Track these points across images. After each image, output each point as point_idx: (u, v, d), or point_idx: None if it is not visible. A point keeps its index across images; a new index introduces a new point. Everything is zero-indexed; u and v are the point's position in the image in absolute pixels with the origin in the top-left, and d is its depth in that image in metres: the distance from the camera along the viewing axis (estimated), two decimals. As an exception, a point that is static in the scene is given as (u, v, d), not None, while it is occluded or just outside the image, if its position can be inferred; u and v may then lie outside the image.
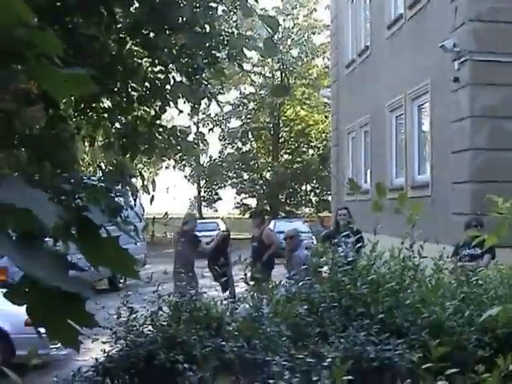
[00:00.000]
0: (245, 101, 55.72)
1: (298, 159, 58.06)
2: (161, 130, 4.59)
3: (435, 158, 15.76)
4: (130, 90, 4.48)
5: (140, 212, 4.51)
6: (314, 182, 58.57)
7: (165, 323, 4.33)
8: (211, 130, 56.41)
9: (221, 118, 56.24)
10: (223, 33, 4.56)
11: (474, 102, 13.55)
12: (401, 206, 4.09)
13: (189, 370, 3.86)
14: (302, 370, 3.66)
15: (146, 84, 4.48)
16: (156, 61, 4.42)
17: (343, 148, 25.72)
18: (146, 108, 4.59)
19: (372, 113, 21.30)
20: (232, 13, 4.89)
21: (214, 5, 4.39)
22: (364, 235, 14.93)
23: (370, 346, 3.76)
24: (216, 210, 64.50)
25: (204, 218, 50.70)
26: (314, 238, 41.52)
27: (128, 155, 4.44)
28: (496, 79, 13.42)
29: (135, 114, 4.53)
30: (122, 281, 24.18)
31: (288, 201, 59.49)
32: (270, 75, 56.89)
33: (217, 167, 56.39)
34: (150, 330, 4.39)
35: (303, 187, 60.16)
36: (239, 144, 57.64)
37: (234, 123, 57.69)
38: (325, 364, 3.54)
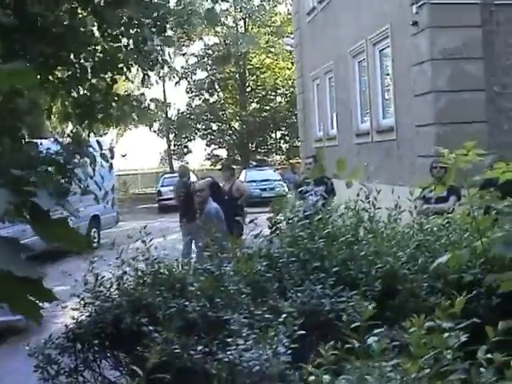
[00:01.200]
0: (209, 52, 55.31)
1: (266, 107, 57.94)
2: (116, 98, 4.66)
3: (398, 101, 15.88)
4: (82, 60, 4.54)
5: (100, 181, 4.62)
6: (284, 128, 58.59)
7: (130, 287, 4.45)
8: (177, 83, 56.03)
9: (186, 71, 55.79)
10: (168, 4, 4.63)
11: (434, 45, 13.63)
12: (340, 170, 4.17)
13: (154, 331, 4.00)
14: (261, 325, 3.81)
15: (99, 54, 4.54)
16: (106, 32, 4.47)
17: (309, 95, 25.76)
18: (100, 78, 4.65)
19: (335, 59, 21.34)
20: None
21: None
22: (336, 181, 15.17)
23: (326, 298, 3.90)
24: (187, 163, 64.49)
25: (174, 172, 50.69)
26: (285, 185, 41.82)
27: (85, 124, 4.53)
28: (454, 21, 13.48)
29: (89, 83, 4.59)
30: (95, 241, 24.30)
31: (258, 149, 59.52)
32: (234, 25, 56.47)
33: (185, 120, 56.16)
34: (116, 295, 4.50)
35: (273, 135, 60.18)
36: (206, 95, 57.32)
37: (200, 75, 57.31)
38: (281, 320, 3.68)
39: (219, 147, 59.05)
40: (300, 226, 4.49)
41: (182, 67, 55.20)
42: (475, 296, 3.95)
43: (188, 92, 57.20)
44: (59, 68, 4.56)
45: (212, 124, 57.42)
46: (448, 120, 13.50)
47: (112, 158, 4.91)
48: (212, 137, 57.89)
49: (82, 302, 4.44)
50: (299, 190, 14.34)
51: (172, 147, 59.28)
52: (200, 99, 57.17)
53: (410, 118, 14.90)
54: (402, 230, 4.57)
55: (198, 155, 62.89)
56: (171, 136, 58.21)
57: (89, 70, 4.54)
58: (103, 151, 4.71)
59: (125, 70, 4.65)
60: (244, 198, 17.66)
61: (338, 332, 3.95)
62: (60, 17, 4.36)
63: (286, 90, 56.72)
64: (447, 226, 4.46)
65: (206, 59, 56.35)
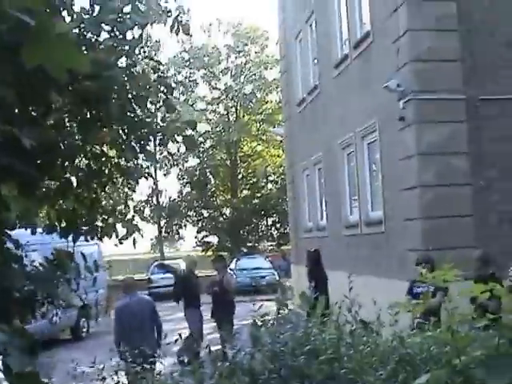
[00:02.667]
0: (201, 139, 55.89)
1: (257, 194, 58.33)
2: (101, 211, 4.74)
3: (387, 194, 16.02)
4: (68, 174, 4.63)
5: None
6: (275, 215, 58.82)
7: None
8: (165, 174, 56.76)
9: (177, 158, 56.29)
10: (154, 122, 4.76)
11: (420, 140, 13.83)
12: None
13: None
14: None
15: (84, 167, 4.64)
16: (91, 148, 4.57)
17: (299, 185, 26.00)
18: (85, 191, 4.73)
19: (324, 150, 21.60)
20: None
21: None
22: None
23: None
24: (177, 250, 64.52)
25: (165, 259, 50.64)
26: (275, 273, 41.76)
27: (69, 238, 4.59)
28: (440, 117, 13.71)
29: (75, 197, 4.66)
30: (84, 330, 24.18)
31: (249, 236, 59.62)
32: (225, 112, 57.27)
33: (176, 207, 56.42)
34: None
35: (264, 222, 60.38)
36: (198, 183, 57.73)
37: (192, 162, 57.88)
38: None
39: (210, 234, 59.12)
40: (281, 342, 4.50)
41: (172, 154, 55.72)
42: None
43: (179, 179, 57.63)
44: (45, 182, 4.64)
45: (203, 211, 57.64)
46: (435, 214, 13.62)
47: (97, 270, 4.97)
48: (203, 223, 58.05)
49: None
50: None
51: (163, 233, 59.33)
52: (191, 186, 57.52)
53: (399, 211, 15.02)
54: (383, 347, 4.58)
55: (189, 241, 62.90)
56: (162, 222, 58.31)
57: (74, 184, 4.62)
58: (87, 264, 4.77)
59: (109, 184, 4.74)
60: (229, 290, 17.77)
61: None
62: (46, 131, 4.45)
63: (277, 177, 57.21)
64: (427, 341, 4.47)
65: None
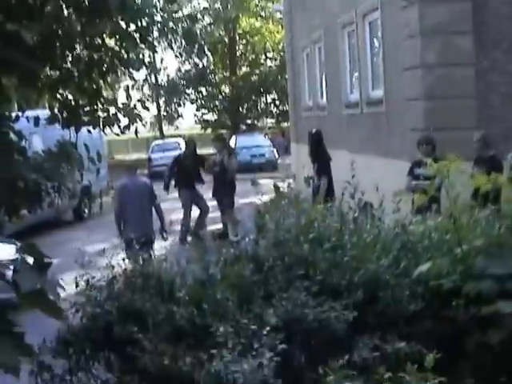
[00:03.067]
0: (199, 16, 54.95)
1: (256, 71, 57.85)
2: (103, 101, 4.71)
3: (388, 74, 15.86)
4: (69, 64, 4.59)
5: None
6: (274, 92, 58.53)
7: (119, 292, 4.51)
8: (165, 49, 55.81)
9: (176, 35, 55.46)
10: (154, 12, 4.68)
11: (424, 19, 13.58)
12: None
13: (144, 339, 4.10)
14: (247, 334, 3.91)
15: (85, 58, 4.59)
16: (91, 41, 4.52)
17: (298, 64, 25.73)
18: (87, 81, 4.69)
19: (325, 29, 21.26)
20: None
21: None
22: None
23: (309, 308, 4.00)
24: (177, 128, 64.47)
25: (164, 137, 50.73)
26: (274, 151, 41.90)
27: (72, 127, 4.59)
28: (444, -5, 13.45)
29: (76, 86, 4.63)
30: (86, 211, 24.48)
31: (248, 114, 59.51)
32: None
33: (175, 85, 56.04)
34: (106, 299, 4.57)
35: (263, 99, 60.14)
36: (196, 60, 57.11)
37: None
38: (265, 333, 3.79)
39: (209, 111, 58.97)
40: (285, 229, 4.57)
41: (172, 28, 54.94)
42: (455, 305, 4.06)
43: (177, 57, 57.01)
44: (45, 70, 4.60)
45: (202, 89, 57.28)
46: (437, 95, 13.51)
47: (99, 161, 4.97)
48: (202, 101, 57.79)
49: (74, 307, 4.50)
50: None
51: (162, 112, 59.19)
52: (189, 64, 56.96)
53: (400, 90, 14.90)
54: (385, 233, 4.65)
55: (188, 120, 62.82)
56: (161, 101, 58.06)
57: (75, 74, 4.58)
58: (91, 154, 4.78)
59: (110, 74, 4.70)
60: (230, 172, 17.86)
61: (321, 341, 4.08)
62: (44, 21, 4.38)
63: (276, 54, 56.56)
64: (429, 230, 4.54)
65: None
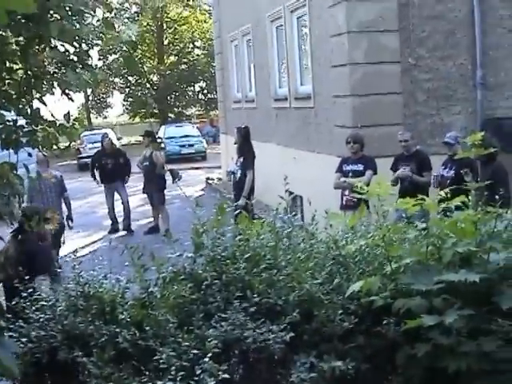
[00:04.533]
0: (126, 5, 54.59)
1: (184, 60, 57.73)
2: (41, 121, 4.75)
3: (316, 70, 16.07)
4: (6, 86, 4.62)
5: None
6: (202, 81, 58.54)
7: (62, 314, 4.55)
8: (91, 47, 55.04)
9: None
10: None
11: (350, 18, 13.81)
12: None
13: (88, 362, 4.17)
14: (188, 358, 4.02)
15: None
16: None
17: (227, 56, 25.79)
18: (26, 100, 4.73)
19: (253, 22, 21.37)
20: None
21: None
22: (255, 144, 15.45)
23: (248, 329, 4.13)
24: (105, 117, 63.98)
25: (93, 128, 50.20)
26: (204, 141, 41.92)
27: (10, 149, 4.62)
28: (370, -6, 13.69)
29: (16, 108, 4.67)
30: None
31: (177, 102, 59.38)
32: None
33: (103, 74, 55.49)
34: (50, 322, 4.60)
35: (191, 88, 60.07)
36: (124, 48, 56.59)
37: (118, 29, 56.44)
38: (206, 359, 3.90)
39: (137, 101, 58.63)
40: (222, 246, 4.68)
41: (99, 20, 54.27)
42: (386, 322, 4.25)
43: (107, 46, 56.38)
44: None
45: (130, 78, 56.93)
46: (364, 92, 13.78)
47: (39, 180, 5.03)
48: (130, 91, 57.45)
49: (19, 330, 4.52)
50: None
51: (90, 101, 58.65)
52: (117, 53, 56.41)
53: (328, 87, 15.13)
54: (318, 251, 4.80)
55: (117, 109, 62.37)
56: (89, 90, 57.48)
57: (13, 97, 4.61)
58: (30, 175, 4.83)
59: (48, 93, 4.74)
60: (158, 167, 17.94)
61: (261, 362, 4.23)
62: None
63: (204, 43, 56.55)
64: (362, 247, 4.71)
65: (123, 13, 55.56)
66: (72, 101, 4.82)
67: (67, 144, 4.92)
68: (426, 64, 13.95)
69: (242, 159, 14.61)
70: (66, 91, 4.82)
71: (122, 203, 18.67)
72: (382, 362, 4.38)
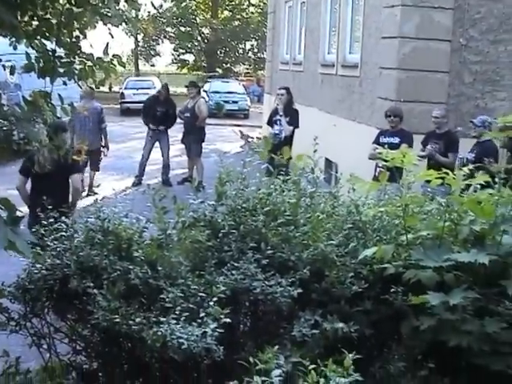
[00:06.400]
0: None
1: (238, 16, 57.44)
2: (80, 54, 4.79)
3: (366, 40, 15.95)
4: (49, 15, 4.67)
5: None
6: (253, 40, 58.28)
7: (79, 246, 4.66)
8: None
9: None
10: None
11: (406, -10, 13.67)
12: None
13: (98, 294, 4.28)
14: (195, 301, 4.10)
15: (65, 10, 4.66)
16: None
17: (280, 16, 25.65)
18: (66, 33, 4.76)
19: (310, -15, 21.23)
20: None
21: None
22: (298, 107, 15.43)
23: (258, 280, 4.19)
24: (153, 65, 63.97)
25: (139, 74, 50.35)
26: (248, 99, 41.86)
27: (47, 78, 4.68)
28: (429, -32, 13.51)
29: (56, 38, 4.71)
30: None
31: (226, 58, 59.21)
32: None
33: (155, 21, 55.49)
34: (65, 251, 4.72)
35: (242, 45, 59.82)
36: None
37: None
38: (211, 303, 3.97)
39: (187, 52, 58.54)
40: (245, 197, 4.72)
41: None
42: (395, 290, 4.28)
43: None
44: (25, 20, 4.68)
45: (182, 28, 56.77)
46: (411, 66, 13.66)
47: (73, 112, 5.08)
48: (180, 41, 57.31)
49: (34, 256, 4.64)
50: (270, 121, 14.77)
51: (139, 48, 58.65)
52: (172, 2, 56.31)
53: (375, 58, 15.03)
54: (338, 213, 4.83)
55: (165, 58, 62.32)
56: (139, 36, 57.52)
57: (54, 25, 4.66)
58: (64, 105, 4.89)
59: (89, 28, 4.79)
60: (200, 120, 17.90)
61: (266, 313, 4.30)
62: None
63: (259, 1, 56.17)
64: (381, 215, 4.73)
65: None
66: (112, 37, 4.85)
67: (103, 78, 4.94)
68: (476, 46, 13.77)
69: (288, 118, 14.52)
70: (108, 26, 4.85)
71: (162, 155, 18.52)
72: (385, 330, 4.41)
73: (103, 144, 16.53)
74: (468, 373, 4.23)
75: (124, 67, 5.45)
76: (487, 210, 4.22)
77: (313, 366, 3.19)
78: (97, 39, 4.99)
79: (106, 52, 5.04)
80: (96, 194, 15.67)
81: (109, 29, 4.85)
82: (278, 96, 15.03)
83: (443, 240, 4.31)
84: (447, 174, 4.31)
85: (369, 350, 4.45)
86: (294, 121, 14.48)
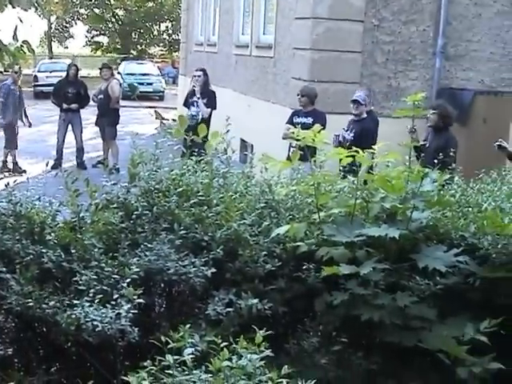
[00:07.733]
0: None
1: (153, -2, 57.07)
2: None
3: (280, 20, 16.02)
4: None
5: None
6: (168, 21, 57.96)
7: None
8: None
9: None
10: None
11: (318, -29, 13.76)
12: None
13: (11, 279, 4.23)
14: (109, 283, 4.09)
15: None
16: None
17: (194, -3, 25.57)
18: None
19: (222, -34, 21.19)
20: None
21: None
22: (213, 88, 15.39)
23: (171, 261, 4.19)
24: (66, 47, 62.97)
25: (53, 57, 49.52)
26: (163, 80, 41.69)
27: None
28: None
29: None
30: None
31: (140, 40, 58.78)
32: None
33: (68, 3, 54.58)
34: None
35: (156, 26, 59.45)
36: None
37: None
38: (124, 285, 3.97)
39: (100, 34, 57.85)
40: (157, 178, 4.71)
41: None
42: (307, 268, 4.33)
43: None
44: None
45: (96, 10, 56.01)
46: (324, 47, 13.81)
47: None
48: (93, 23, 56.60)
49: None
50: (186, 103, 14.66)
51: (52, 30, 57.66)
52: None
53: (289, 38, 15.12)
54: (251, 192, 4.86)
55: (79, 41, 61.42)
56: (52, 19, 56.51)
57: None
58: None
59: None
60: (112, 100, 17.78)
61: (180, 294, 4.31)
62: None
63: (174, -18, 55.81)
64: (293, 193, 4.78)
65: None
66: (21, 21, 4.77)
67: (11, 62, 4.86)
68: (388, 26, 14.00)
69: (205, 100, 14.43)
70: (17, 10, 4.77)
71: (75, 138, 18.34)
72: (300, 307, 4.47)
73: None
74: (380, 349, 4.32)
75: (34, 53, 5.35)
76: (397, 186, 4.31)
77: (225, 343, 3.21)
78: (6, 22, 4.89)
79: (15, 37, 4.95)
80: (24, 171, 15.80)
81: (17, 12, 4.76)
82: (195, 77, 14.93)
83: (355, 217, 4.38)
84: (357, 152, 4.39)
85: (284, 327, 4.50)
86: (211, 102, 14.41)
